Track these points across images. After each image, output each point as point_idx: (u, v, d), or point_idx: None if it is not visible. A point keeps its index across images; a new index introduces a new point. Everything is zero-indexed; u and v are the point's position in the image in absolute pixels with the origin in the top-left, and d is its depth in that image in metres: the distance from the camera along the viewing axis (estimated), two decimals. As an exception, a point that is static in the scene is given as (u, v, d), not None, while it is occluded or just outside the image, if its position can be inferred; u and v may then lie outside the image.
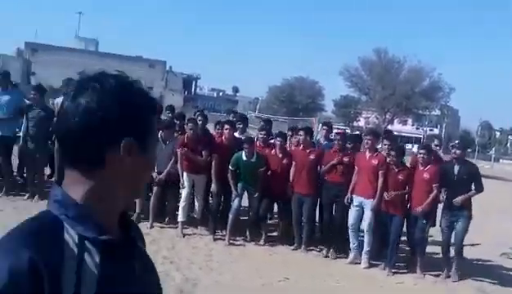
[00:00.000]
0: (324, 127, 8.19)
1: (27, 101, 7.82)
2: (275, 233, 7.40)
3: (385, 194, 6.32)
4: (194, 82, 68.56)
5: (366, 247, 6.56)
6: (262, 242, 7.02)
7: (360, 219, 6.58)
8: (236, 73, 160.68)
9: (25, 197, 7.54)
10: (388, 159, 6.50)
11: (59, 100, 7.60)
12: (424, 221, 6.25)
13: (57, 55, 54.32)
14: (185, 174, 7.01)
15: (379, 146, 7.05)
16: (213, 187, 6.90)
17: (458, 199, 6.13)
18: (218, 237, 6.96)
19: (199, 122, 7.32)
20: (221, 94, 74.83)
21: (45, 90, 7.95)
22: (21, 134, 7.54)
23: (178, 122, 7.69)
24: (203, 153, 6.93)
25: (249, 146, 6.76)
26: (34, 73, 50.32)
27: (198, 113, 8.49)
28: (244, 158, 6.78)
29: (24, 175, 8.19)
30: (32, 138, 7.42)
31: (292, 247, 6.94)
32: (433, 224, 6.51)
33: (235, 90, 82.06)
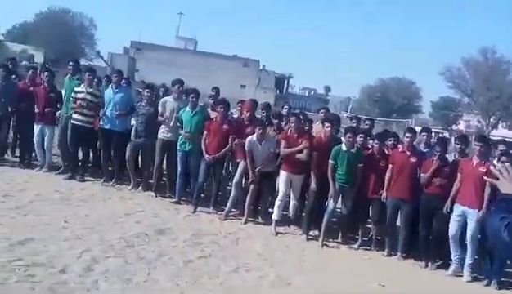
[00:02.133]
0: (423, 133, 7.54)
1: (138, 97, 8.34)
2: (368, 237, 7.21)
3: None
4: (286, 81, 68.93)
5: (468, 260, 6.17)
6: (356, 246, 6.90)
7: (462, 229, 6.20)
8: (329, 73, 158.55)
9: (130, 187, 8.06)
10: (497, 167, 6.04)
11: (167, 99, 8.01)
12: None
13: (159, 54, 57.38)
14: (283, 173, 7.07)
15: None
16: (313, 185, 6.86)
17: None
18: (311, 237, 6.94)
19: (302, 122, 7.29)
20: (312, 93, 74.40)
21: (153, 87, 8.44)
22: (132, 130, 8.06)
23: (276, 121, 7.74)
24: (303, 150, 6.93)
25: (261, 130, 6.88)
26: (138, 70, 53.62)
27: (286, 107, 8.49)
28: (344, 148, 6.70)
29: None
30: (141, 133, 7.89)
31: (384, 253, 6.75)
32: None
33: (327, 89, 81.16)
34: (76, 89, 8.08)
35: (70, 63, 8.85)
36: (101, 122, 8.02)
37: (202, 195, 7.68)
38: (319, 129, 7.42)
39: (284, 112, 8.37)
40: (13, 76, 8.91)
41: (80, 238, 5.38)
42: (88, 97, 8.00)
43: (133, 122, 8.17)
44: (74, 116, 8.02)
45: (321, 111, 8.45)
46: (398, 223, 6.82)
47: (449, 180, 6.38)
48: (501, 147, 6.69)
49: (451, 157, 6.85)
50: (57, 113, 8.48)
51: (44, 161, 8.42)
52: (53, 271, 4.35)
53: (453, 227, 6.27)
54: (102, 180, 8.13)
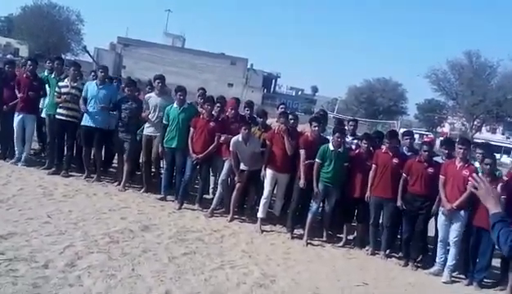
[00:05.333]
0: (406, 137, 7.58)
1: (122, 94, 8.27)
2: (353, 236, 7.27)
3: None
4: (274, 81, 69.08)
5: (450, 261, 6.26)
6: (341, 244, 6.95)
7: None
8: (316, 73, 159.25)
9: (115, 183, 8.01)
10: (480, 169, 6.15)
11: (150, 95, 8.00)
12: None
13: (146, 50, 57.08)
14: (269, 171, 7.08)
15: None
16: (302, 182, 6.86)
17: None
18: (296, 235, 6.97)
19: (291, 121, 7.31)
20: (299, 93, 74.68)
21: (135, 83, 8.40)
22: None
23: (261, 120, 7.76)
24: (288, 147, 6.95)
25: (246, 130, 6.91)
26: (125, 66, 53.26)
27: (283, 106, 8.49)
28: (332, 148, 6.74)
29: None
30: (124, 128, 7.84)
31: (366, 250, 6.82)
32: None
33: (314, 89, 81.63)
34: (60, 84, 8.02)
35: (56, 62, 8.78)
36: (83, 120, 7.90)
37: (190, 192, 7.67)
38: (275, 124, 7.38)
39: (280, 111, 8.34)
40: None
41: (63, 233, 5.33)
42: (73, 91, 7.93)
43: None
44: (59, 111, 7.94)
45: (281, 106, 8.41)
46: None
47: (433, 181, 6.46)
48: (480, 150, 6.75)
49: (438, 159, 6.95)
50: (40, 103, 8.38)
51: (21, 153, 8.30)
52: (36, 266, 4.30)
53: (442, 231, 6.36)
54: (84, 176, 8.05)
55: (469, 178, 6.05)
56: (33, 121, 8.39)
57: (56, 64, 8.73)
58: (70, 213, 6.11)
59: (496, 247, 2.46)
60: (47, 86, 8.42)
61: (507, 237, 2.38)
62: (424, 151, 6.60)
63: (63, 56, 34.73)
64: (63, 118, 7.93)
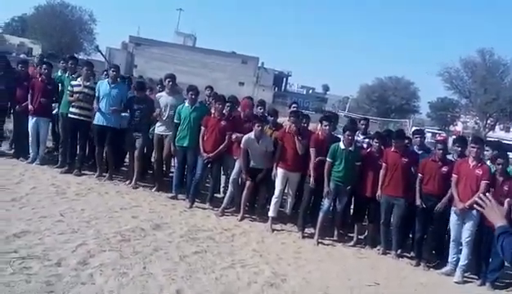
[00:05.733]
0: (416, 135, 7.56)
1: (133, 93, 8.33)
2: (364, 236, 7.23)
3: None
4: (285, 79, 68.93)
5: (462, 261, 6.20)
6: (352, 243, 6.93)
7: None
8: (327, 72, 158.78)
9: (127, 182, 8.07)
10: (493, 169, 6.09)
11: (161, 94, 8.06)
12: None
13: (158, 50, 57.28)
14: (280, 170, 7.08)
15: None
16: (312, 182, 6.87)
17: None
18: (307, 235, 6.96)
19: (302, 121, 7.30)
20: (310, 92, 74.44)
21: (145, 86, 8.46)
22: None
23: (272, 118, 7.75)
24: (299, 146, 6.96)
25: (259, 127, 6.93)
26: (136, 65, 53.53)
27: (295, 105, 8.52)
28: (343, 146, 6.71)
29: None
30: (135, 127, 7.90)
31: (377, 250, 6.79)
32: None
33: (326, 88, 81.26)
34: (73, 83, 8.10)
35: (70, 61, 8.86)
36: (95, 119, 7.96)
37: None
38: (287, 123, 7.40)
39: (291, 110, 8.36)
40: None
41: (76, 231, 5.38)
42: (85, 91, 8.00)
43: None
44: (72, 110, 8.02)
45: (293, 106, 8.53)
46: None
47: (446, 180, 6.41)
48: (494, 149, 6.71)
49: (450, 158, 6.91)
50: (53, 105, 8.48)
51: (37, 154, 8.40)
52: (48, 264, 4.35)
53: (455, 230, 6.30)
54: (96, 175, 8.11)
55: (482, 177, 6.04)
56: (47, 124, 8.49)
57: (70, 64, 8.82)
58: (83, 212, 6.16)
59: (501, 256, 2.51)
60: (60, 85, 8.52)
61: (511, 245, 2.42)
62: (439, 150, 6.55)
63: (75, 56, 35.06)
64: (75, 116, 8.00)
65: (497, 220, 2.61)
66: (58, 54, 34.70)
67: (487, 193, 2.74)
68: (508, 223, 2.56)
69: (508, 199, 5.81)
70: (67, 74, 8.67)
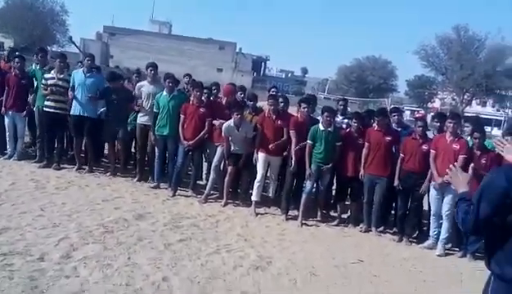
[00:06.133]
0: (394, 114, 7.58)
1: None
2: (347, 215, 7.32)
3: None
4: (263, 64, 68.72)
5: (443, 234, 6.34)
6: (335, 223, 7.01)
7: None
8: (305, 55, 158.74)
9: (108, 174, 8.00)
10: (470, 143, 6.21)
11: (142, 83, 7.95)
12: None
13: (133, 39, 56.45)
14: (261, 155, 7.09)
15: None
16: (294, 166, 6.90)
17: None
18: (290, 217, 7.02)
19: (281, 104, 7.30)
20: (289, 75, 74.42)
21: (116, 75, 8.37)
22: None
23: (251, 103, 7.74)
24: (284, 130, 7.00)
25: (238, 114, 6.91)
26: (112, 55, 52.73)
27: (274, 90, 8.52)
28: (322, 128, 6.75)
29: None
30: (114, 118, 7.81)
31: (360, 228, 6.89)
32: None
33: (304, 71, 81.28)
34: (46, 76, 7.92)
35: (40, 54, 8.66)
36: (72, 109, 7.82)
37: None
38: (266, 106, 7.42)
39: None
40: None
41: (58, 225, 5.33)
42: (60, 83, 7.84)
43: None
44: (47, 103, 7.86)
45: (272, 90, 8.53)
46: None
47: (427, 158, 6.50)
48: (471, 124, 6.82)
49: (429, 134, 7.01)
50: (28, 99, 8.32)
51: (14, 149, 8.25)
52: (31, 259, 4.30)
53: (435, 205, 6.42)
54: (75, 168, 8.01)
55: (459, 151, 6.14)
56: (23, 118, 8.31)
57: (40, 57, 8.61)
58: (64, 205, 6.09)
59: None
60: (34, 79, 8.34)
61: (464, 211, 2.48)
62: (419, 127, 6.63)
63: (49, 48, 34.35)
64: (51, 110, 7.85)
65: (460, 186, 2.68)
66: (31, 47, 33.92)
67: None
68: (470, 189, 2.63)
69: (472, 164, 5.95)
70: (39, 67, 8.47)
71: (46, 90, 7.82)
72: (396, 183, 6.65)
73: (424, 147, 6.53)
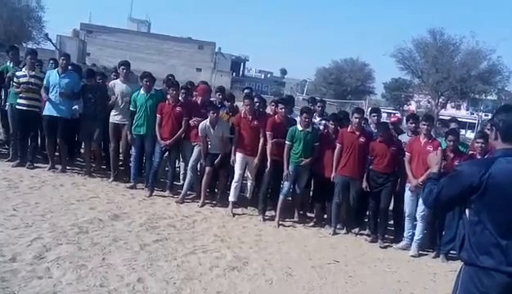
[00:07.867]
0: (373, 114, 7.74)
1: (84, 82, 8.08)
2: (325, 216, 7.37)
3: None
4: (242, 64, 68.72)
5: (417, 235, 6.44)
6: (312, 224, 7.06)
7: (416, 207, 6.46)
8: (285, 56, 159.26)
9: (83, 173, 7.88)
10: (444, 145, 6.33)
11: (115, 82, 7.86)
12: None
13: (111, 37, 55.74)
14: (239, 155, 7.08)
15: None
16: (268, 166, 6.90)
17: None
18: (268, 217, 7.03)
19: (257, 104, 7.31)
20: (268, 76, 74.59)
21: (94, 74, 8.29)
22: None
23: (229, 104, 7.74)
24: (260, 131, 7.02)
25: (214, 114, 6.94)
26: (89, 53, 51.89)
27: (247, 90, 8.54)
28: (300, 128, 6.77)
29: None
30: (91, 116, 7.70)
31: (329, 231, 6.89)
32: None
33: (283, 72, 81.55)
34: (18, 73, 7.72)
35: (11, 52, 8.47)
36: (45, 109, 7.64)
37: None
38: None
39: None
40: None
41: (30, 225, 5.22)
42: (32, 80, 7.67)
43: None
44: (19, 101, 7.67)
45: (246, 91, 8.58)
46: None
47: (395, 159, 6.63)
48: (452, 125, 7.00)
49: (404, 136, 7.11)
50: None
51: None
52: (3, 260, 4.21)
53: (409, 206, 6.51)
54: (48, 167, 7.85)
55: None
56: None
57: (11, 54, 8.43)
58: (37, 205, 5.98)
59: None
60: (6, 76, 8.14)
61: (429, 190, 2.64)
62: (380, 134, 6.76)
63: (24, 45, 33.64)
64: (23, 108, 7.67)
65: (432, 166, 3.02)
66: (6, 44, 33.16)
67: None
68: (439, 171, 2.79)
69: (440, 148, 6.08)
70: (11, 65, 8.27)
71: (18, 88, 7.64)
72: (364, 184, 6.74)
73: (392, 148, 6.64)
